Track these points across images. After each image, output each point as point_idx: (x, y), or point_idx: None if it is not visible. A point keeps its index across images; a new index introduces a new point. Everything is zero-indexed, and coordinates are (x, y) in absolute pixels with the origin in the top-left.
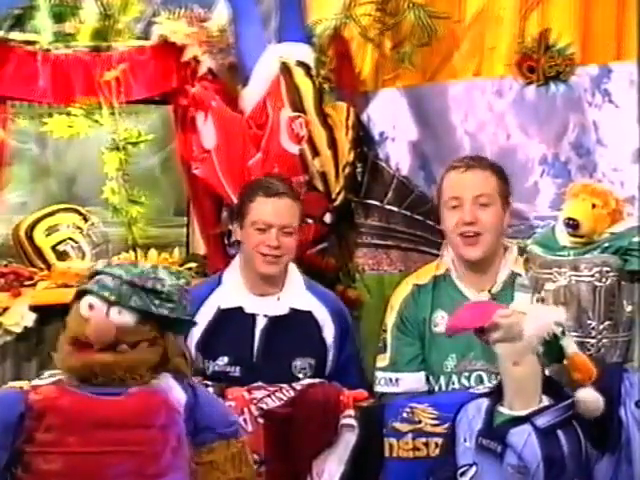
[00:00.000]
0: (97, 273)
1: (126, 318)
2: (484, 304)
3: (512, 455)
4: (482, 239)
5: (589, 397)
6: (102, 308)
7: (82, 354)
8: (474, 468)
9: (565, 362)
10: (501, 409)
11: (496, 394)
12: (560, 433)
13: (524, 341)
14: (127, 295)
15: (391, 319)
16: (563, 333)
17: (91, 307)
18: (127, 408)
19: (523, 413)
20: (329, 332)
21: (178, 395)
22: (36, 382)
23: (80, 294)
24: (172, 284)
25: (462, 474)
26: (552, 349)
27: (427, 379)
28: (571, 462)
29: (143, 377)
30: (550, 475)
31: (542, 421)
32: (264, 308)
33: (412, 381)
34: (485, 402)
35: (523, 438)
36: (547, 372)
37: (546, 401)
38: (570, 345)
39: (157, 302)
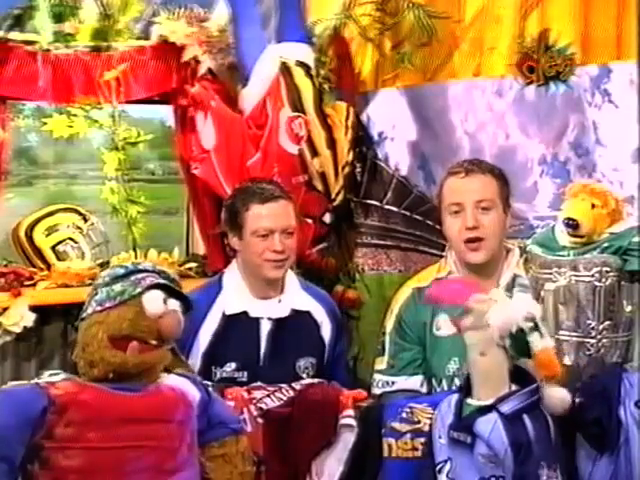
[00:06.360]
0: (133, 272)
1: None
2: (468, 284)
3: (482, 444)
4: (485, 244)
5: (555, 394)
6: (176, 304)
7: (143, 351)
8: (449, 464)
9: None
10: (469, 401)
11: (465, 388)
12: (526, 417)
13: (488, 331)
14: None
15: (390, 323)
16: (534, 329)
17: (165, 302)
18: (147, 404)
19: (489, 402)
20: (326, 330)
21: (192, 392)
22: (35, 382)
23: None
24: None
25: (439, 471)
26: (518, 344)
27: (429, 382)
28: (538, 446)
29: (158, 373)
30: (518, 460)
31: (507, 407)
32: (267, 311)
33: (408, 384)
34: (455, 397)
35: (489, 426)
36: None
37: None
38: (537, 341)
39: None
